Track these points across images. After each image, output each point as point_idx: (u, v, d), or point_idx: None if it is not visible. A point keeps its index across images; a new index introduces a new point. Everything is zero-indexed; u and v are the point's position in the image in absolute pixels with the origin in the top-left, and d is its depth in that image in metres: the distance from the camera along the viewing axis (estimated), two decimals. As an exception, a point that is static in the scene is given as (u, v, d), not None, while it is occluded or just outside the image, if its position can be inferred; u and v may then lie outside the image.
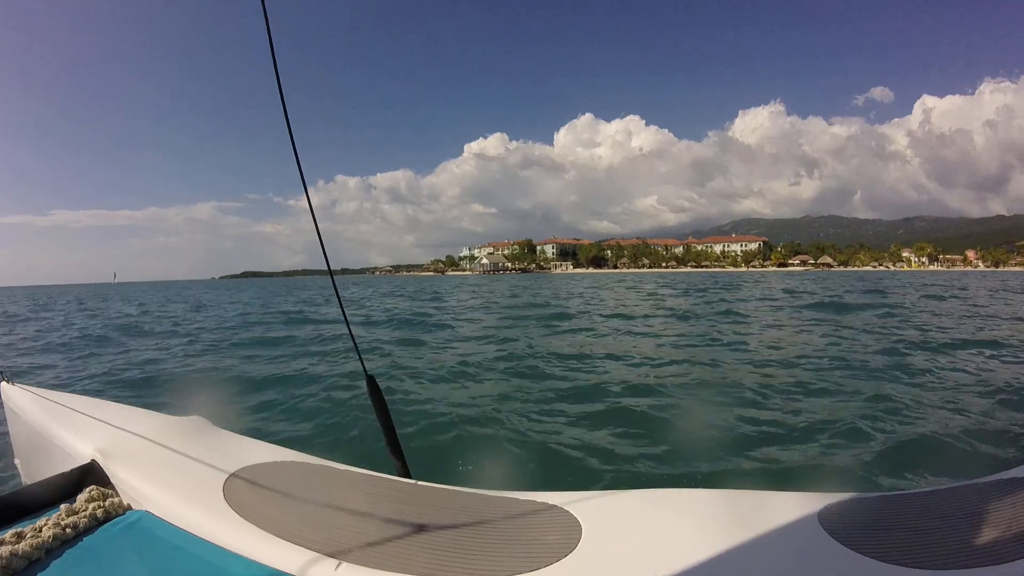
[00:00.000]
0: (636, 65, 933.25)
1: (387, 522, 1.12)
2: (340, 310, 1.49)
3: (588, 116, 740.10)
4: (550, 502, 1.20)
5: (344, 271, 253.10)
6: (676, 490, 1.23)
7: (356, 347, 1.49)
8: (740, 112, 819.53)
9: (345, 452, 3.57)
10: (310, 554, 1.00)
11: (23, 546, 1.06)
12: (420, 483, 1.34)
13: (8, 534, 1.08)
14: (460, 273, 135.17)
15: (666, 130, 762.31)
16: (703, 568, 0.91)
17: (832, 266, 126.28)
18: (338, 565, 0.98)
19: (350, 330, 1.46)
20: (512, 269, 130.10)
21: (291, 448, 1.52)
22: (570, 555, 0.98)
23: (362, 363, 1.50)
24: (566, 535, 1.05)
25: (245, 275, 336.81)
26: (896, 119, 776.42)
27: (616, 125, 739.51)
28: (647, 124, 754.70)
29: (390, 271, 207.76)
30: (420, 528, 1.10)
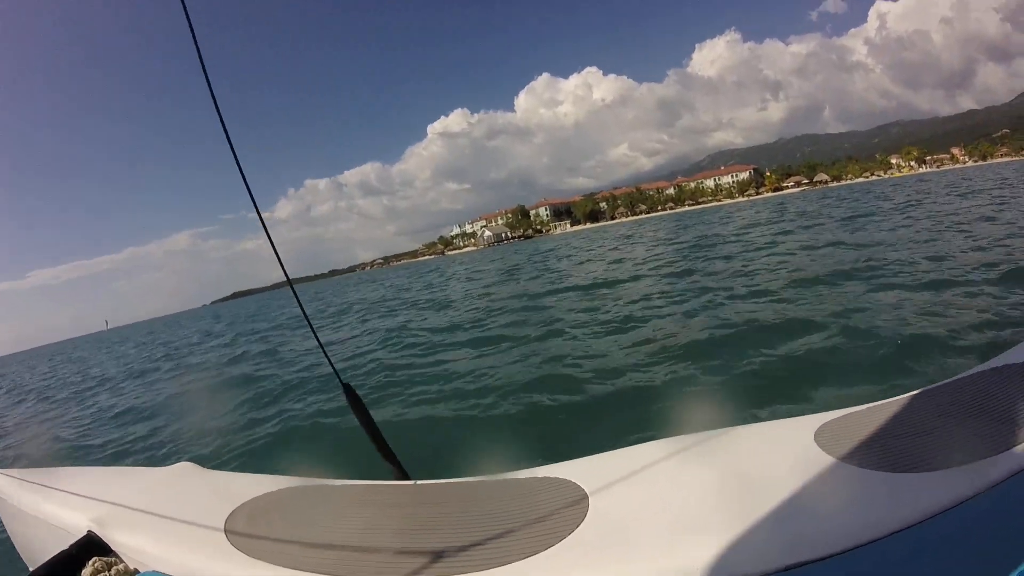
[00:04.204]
0: (583, 15, 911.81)
1: (392, 529, 1.10)
2: (305, 318, 1.45)
3: (545, 76, 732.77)
4: (553, 475, 1.18)
5: (332, 272, 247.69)
6: (675, 438, 1.22)
7: (327, 356, 1.46)
8: (697, 46, 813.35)
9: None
10: None
11: None
12: (420, 482, 1.31)
13: None
14: (460, 251, 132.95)
15: (625, 76, 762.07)
16: (706, 508, 0.92)
17: (828, 183, 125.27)
18: None
19: (317, 338, 1.44)
20: (514, 237, 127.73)
21: (285, 475, 1.48)
22: (580, 526, 0.97)
23: (336, 373, 1.45)
24: (573, 506, 1.04)
25: (235, 295, 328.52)
26: (853, 29, 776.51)
27: (575, 80, 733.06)
28: (605, 74, 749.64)
29: (382, 263, 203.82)
30: (426, 529, 1.07)
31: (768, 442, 1.11)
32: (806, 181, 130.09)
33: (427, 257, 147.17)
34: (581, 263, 17.85)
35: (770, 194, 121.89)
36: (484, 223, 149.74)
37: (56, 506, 1.47)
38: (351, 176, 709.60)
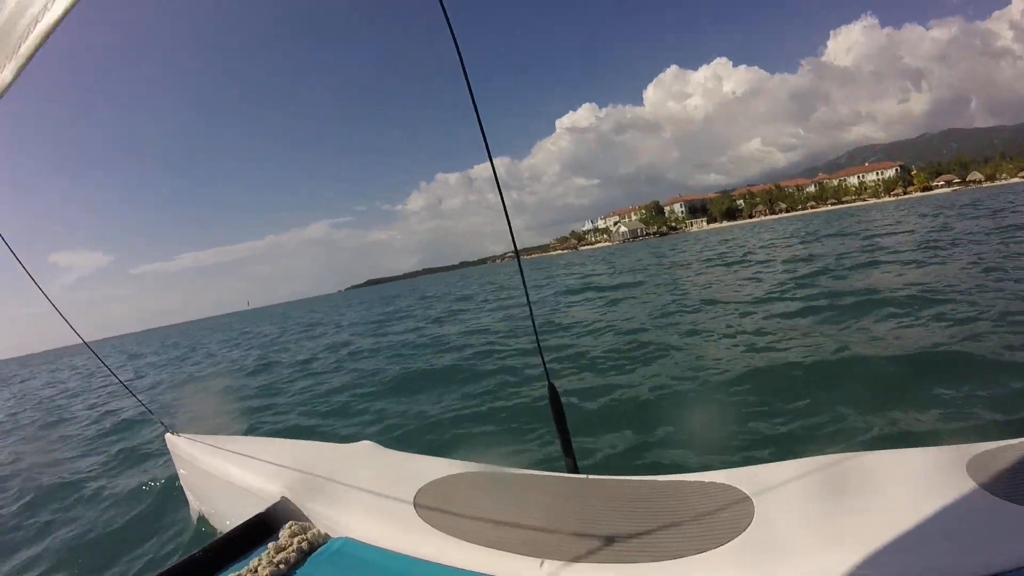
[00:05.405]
0: (711, 4, 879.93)
1: (566, 516, 1.17)
2: (528, 309, 1.48)
3: (674, 68, 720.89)
4: (718, 480, 1.22)
5: (463, 264, 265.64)
6: (835, 456, 1.24)
7: (541, 353, 1.53)
8: (831, 33, 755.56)
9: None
10: (513, 557, 1.06)
11: None
12: (591, 477, 1.38)
13: None
14: (592, 247, 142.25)
15: (756, 67, 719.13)
16: (863, 530, 0.94)
17: (982, 183, 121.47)
18: (541, 563, 1.02)
19: (536, 333, 1.50)
20: (650, 234, 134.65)
21: (462, 460, 1.58)
22: (744, 532, 1.00)
23: (546, 372, 1.51)
24: (738, 512, 1.07)
25: (369, 283, 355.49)
26: (996, 11, 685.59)
27: (704, 72, 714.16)
28: (735, 65, 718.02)
29: (514, 256, 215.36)
30: (597, 520, 1.14)
31: (921, 468, 1.11)
32: (958, 180, 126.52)
33: (559, 252, 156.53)
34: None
35: (919, 194, 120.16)
36: (617, 219, 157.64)
37: (250, 472, 1.62)
38: (481, 170, 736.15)
